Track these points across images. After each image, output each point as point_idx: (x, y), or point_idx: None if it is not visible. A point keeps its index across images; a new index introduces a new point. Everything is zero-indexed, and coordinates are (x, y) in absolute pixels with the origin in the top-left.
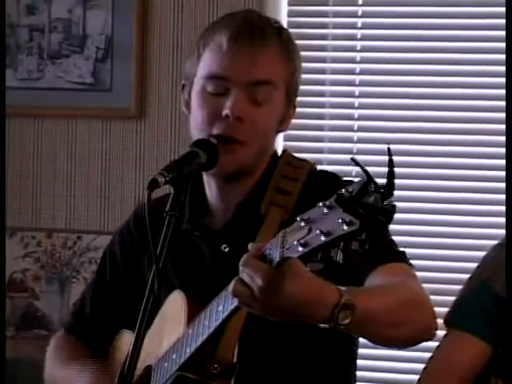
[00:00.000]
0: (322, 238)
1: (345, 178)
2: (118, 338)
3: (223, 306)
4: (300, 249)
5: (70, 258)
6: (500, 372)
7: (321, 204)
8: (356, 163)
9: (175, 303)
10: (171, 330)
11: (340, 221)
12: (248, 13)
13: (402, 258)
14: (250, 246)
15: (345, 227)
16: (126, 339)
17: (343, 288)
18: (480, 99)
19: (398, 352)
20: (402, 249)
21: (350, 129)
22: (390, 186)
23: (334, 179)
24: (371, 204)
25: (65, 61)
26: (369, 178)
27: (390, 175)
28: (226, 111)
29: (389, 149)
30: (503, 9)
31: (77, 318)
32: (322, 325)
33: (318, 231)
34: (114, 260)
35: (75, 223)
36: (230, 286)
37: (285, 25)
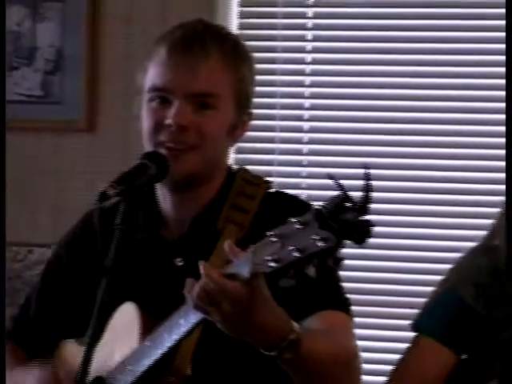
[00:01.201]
0: (296, 255)
1: (301, 200)
2: (60, 348)
3: (185, 319)
4: (272, 264)
5: (20, 271)
6: (463, 379)
7: (293, 220)
8: (332, 179)
9: (127, 315)
10: (123, 341)
11: (315, 237)
12: (193, 23)
13: (346, 306)
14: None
15: (320, 244)
16: (71, 349)
17: (295, 324)
18: (441, 100)
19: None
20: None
21: (299, 141)
22: (366, 202)
23: (290, 200)
24: (349, 221)
25: (14, 73)
26: (345, 194)
27: (367, 191)
28: (168, 121)
29: (366, 167)
30: (457, 10)
31: (18, 321)
32: (265, 352)
33: (291, 247)
34: (59, 266)
35: (26, 236)
36: (191, 295)
37: (235, 26)
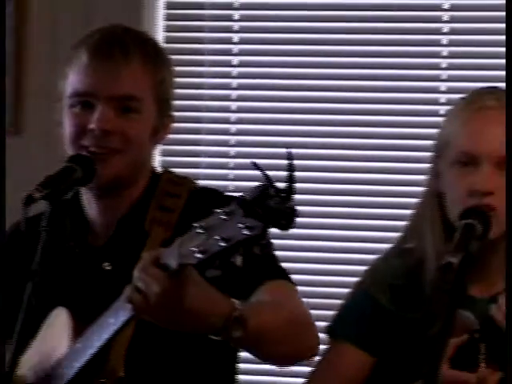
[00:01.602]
0: (222, 244)
1: (226, 194)
2: None
3: (115, 318)
4: (198, 256)
5: None
6: (379, 381)
7: (219, 211)
8: (257, 167)
9: (58, 320)
10: (53, 346)
11: (241, 226)
12: (110, 27)
13: (286, 275)
14: (145, 254)
15: (246, 232)
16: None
17: (237, 301)
18: (367, 91)
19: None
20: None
21: (226, 143)
22: (290, 190)
23: (215, 195)
24: (273, 207)
25: None
26: (269, 182)
27: (290, 178)
28: (91, 125)
29: (289, 152)
30: (381, 13)
31: None
32: (213, 337)
33: (217, 237)
34: None
35: None
36: (125, 294)
37: (161, 40)
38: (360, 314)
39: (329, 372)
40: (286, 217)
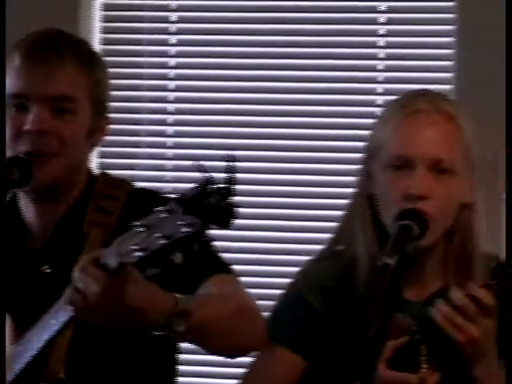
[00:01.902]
0: (162, 242)
1: (163, 195)
2: None
3: (55, 319)
4: (138, 254)
5: None
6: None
7: (159, 208)
8: (197, 166)
9: None
10: None
11: (180, 223)
12: (44, 30)
13: (230, 269)
14: (84, 255)
15: (185, 229)
16: None
17: (179, 295)
18: (299, 93)
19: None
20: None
21: (163, 145)
22: (229, 187)
23: (153, 196)
24: (213, 205)
25: None
26: (209, 180)
27: (229, 176)
28: (26, 126)
29: (228, 152)
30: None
31: None
32: (157, 332)
33: (157, 235)
34: None
35: None
36: (65, 295)
37: (98, 42)
38: (292, 317)
39: (262, 375)
40: (225, 214)
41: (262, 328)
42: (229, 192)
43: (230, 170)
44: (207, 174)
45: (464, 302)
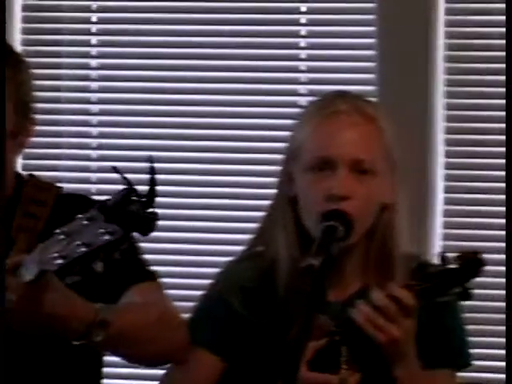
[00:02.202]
0: (82, 249)
1: (93, 199)
2: None
3: None
4: (59, 261)
5: None
6: None
7: (80, 216)
8: (117, 172)
9: None
10: None
11: (101, 231)
12: None
13: (154, 277)
14: (7, 260)
15: (106, 237)
16: None
17: (100, 305)
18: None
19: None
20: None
21: (87, 146)
22: (152, 195)
23: (82, 200)
24: (134, 212)
25: None
26: (130, 187)
27: (152, 183)
28: None
29: (151, 157)
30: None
31: None
32: (76, 341)
33: (77, 243)
34: None
35: None
36: None
37: (18, 42)
38: (212, 318)
39: (182, 377)
40: (146, 222)
41: (184, 338)
42: (150, 200)
43: (152, 176)
44: (129, 181)
45: (384, 303)
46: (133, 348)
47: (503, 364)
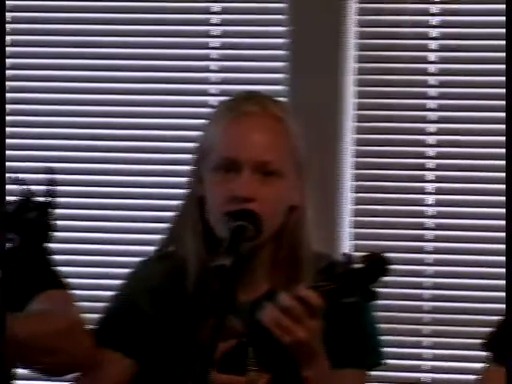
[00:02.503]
0: None
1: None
2: None
3: None
4: None
5: None
6: None
7: None
8: (16, 181)
9: None
10: None
11: None
12: None
13: (62, 284)
14: None
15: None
16: None
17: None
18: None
19: None
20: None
21: None
22: (49, 203)
23: None
24: (32, 220)
25: None
26: (28, 194)
27: (50, 191)
28: None
29: (50, 168)
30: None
31: None
32: None
33: None
34: None
35: None
36: None
37: None
38: (122, 320)
39: (92, 380)
40: (44, 229)
41: (90, 346)
42: (48, 206)
43: (51, 185)
44: (28, 189)
45: (290, 304)
46: (38, 358)
47: (419, 363)
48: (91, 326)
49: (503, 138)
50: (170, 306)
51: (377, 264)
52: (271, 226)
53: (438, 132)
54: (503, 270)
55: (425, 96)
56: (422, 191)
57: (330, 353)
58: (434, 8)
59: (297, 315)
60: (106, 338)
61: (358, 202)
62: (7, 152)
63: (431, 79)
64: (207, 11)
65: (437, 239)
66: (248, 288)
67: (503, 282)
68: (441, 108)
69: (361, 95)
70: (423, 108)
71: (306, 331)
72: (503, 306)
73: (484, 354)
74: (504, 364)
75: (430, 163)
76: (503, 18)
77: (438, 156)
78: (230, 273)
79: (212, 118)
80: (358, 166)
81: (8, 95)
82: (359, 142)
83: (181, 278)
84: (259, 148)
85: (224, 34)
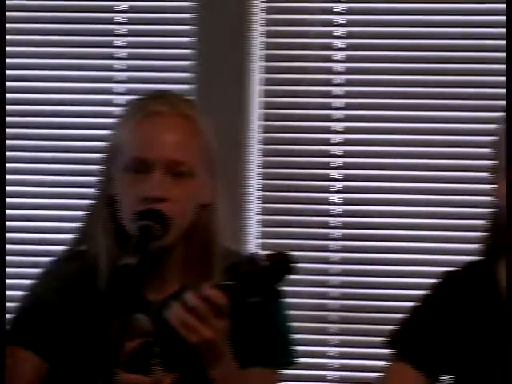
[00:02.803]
0: None
1: None
2: None
3: None
4: None
5: None
6: None
7: None
8: None
9: None
10: None
11: None
12: None
13: None
14: None
15: None
16: None
17: None
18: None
19: None
20: None
21: None
22: None
23: None
24: None
25: None
26: None
27: None
28: None
29: None
30: None
31: None
32: None
33: None
34: None
35: None
36: None
37: None
38: (33, 319)
39: (10, 379)
40: None
41: None
42: None
43: None
44: None
45: (196, 303)
46: None
47: (325, 361)
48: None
49: (409, 137)
50: (81, 305)
51: (281, 263)
52: (182, 224)
53: (344, 131)
54: (408, 268)
55: (330, 95)
56: (328, 190)
57: (238, 352)
58: (339, 7)
59: (202, 315)
60: (18, 337)
61: (265, 200)
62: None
63: (337, 78)
64: (112, 10)
65: (343, 238)
66: (159, 287)
67: (408, 280)
68: (346, 107)
69: (267, 94)
70: (329, 107)
71: (211, 331)
72: (408, 304)
73: (388, 351)
74: (407, 361)
75: (336, 162)
76: (406, 17)
77: (344, 155)
78: (136, 272)
79: (122, 117)
80: (265, 165)
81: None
82: (266, 141)
83: (92, 277)
84: (170, 148)
85: (130, 33)
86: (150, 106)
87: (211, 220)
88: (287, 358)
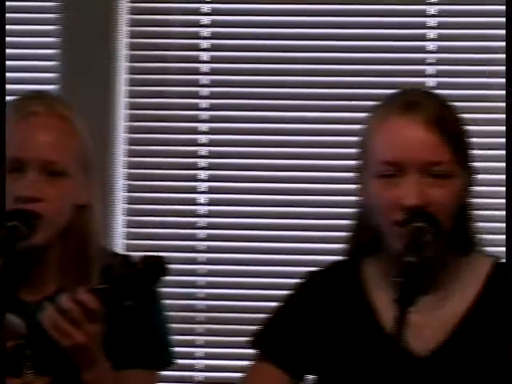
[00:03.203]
0: None
1: None
2: None
3: None
4: None
5: None
6: None
7: None
8: None
9: None
10: None
11: None
12: None
13: None
14: None
15: None
16: None
17: None
18: None
19: None
20: None
21: None
22: None
23: None
24: None
25: None
26: None
27: None
28: None
29: None
30: None
31: None
32: None
33: None
34: None
35: None
36: None
37: None
38: None
39: None
40: None
41: None
42: None
43: None
44: None
45: (68, 306)
46: None
47: (192, 362)
48: None
49: (274, 137)
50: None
51: (154, 266)
52: (56, 224)
53: (210, 131)
54: (274, 268)
55: (197, 95)
56: (195, 190)
57: (116, 355)
58: (205, 8)
59: (75, 318)
60: None
61: (131, 201)
62: None
63: (203, 78)
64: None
65: (209, 238)
66: (36, 288)
67: (273, 280)
68: (212, 107)
69: (133, 95)
70: (195, 107)
71: (84, 335)
72: (272, 304)
73: (252, 351)
74: (271, 361)
75: (203, 162)
76: (270, 18)
77: (210, 155)
78: (4, 273)
79: (5, 118)
80: (131, 166)
81: None
82: (131, 142)
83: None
84: (44, 148)
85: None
86: (26, 107)
87: (88, 220)
88: (166, 359)
